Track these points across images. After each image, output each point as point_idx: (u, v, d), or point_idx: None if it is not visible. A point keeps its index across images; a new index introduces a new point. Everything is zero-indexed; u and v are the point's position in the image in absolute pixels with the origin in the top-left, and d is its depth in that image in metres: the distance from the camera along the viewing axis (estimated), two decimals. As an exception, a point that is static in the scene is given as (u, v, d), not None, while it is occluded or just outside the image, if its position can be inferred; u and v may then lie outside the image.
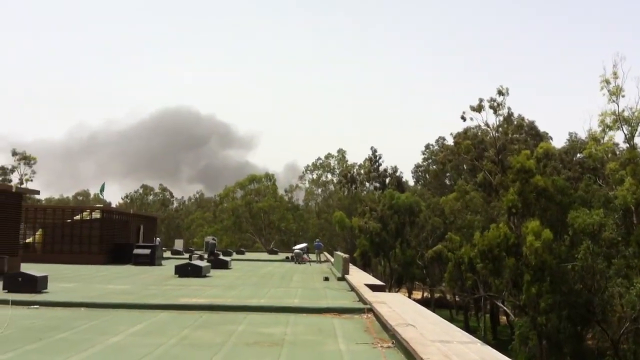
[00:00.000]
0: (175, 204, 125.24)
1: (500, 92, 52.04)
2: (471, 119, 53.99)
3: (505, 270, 45.59)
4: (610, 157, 47.69)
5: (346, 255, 27.11)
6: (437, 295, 76.29)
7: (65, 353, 8.38)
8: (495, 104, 51.94)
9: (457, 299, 70.68)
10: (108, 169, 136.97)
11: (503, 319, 65.58)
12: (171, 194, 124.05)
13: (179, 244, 58.28)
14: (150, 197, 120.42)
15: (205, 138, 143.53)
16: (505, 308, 55.20)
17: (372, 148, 74.63)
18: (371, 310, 13.47)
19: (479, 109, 52.41)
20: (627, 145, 45.85)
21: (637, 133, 44.51)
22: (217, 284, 21.77)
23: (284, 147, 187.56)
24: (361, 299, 16.05)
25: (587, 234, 41.63)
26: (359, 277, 24.78)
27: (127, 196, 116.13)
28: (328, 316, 13.36)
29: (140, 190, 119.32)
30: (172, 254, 48.79)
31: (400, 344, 9.08)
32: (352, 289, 19.90)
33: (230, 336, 10.33)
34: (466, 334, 10.28)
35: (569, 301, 42.52)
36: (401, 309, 13.33)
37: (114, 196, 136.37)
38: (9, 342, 9.28)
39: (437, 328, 10.89)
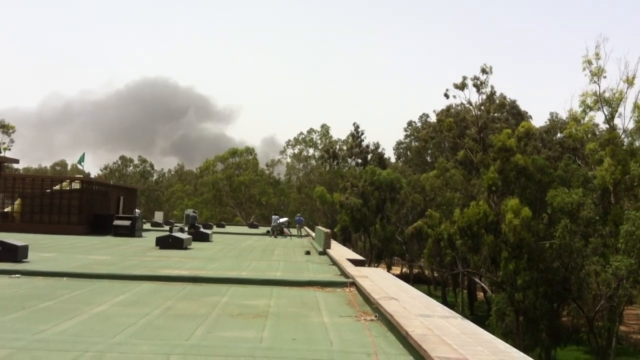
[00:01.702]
0: (155, 176, 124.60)
1: (484, 71, 52.05)
2: (454, 96, 54.03)
3: (483, 247, 46.07)
4: (590, 137, 48.08)
5: (328, 230, 27.22)
6: (415, 270, 77.07)
7: (50, 322, 8.35)
8: (479, 82, 51.95)
9: (435, 274, 71.41)
10: (82, 139, 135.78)
11: (480, 295, 66.45)
12: (151, 165, 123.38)
13: (158, 216, 58.07)
14: (130, 169, 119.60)
15: (182, 110, 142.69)
16: (482, 284, 55.87)
17: (354, 124, 74.75)
18: (353, 284, 13.56)
19: (462, 86, 52.36)
20: (607, 126, 46.32)
21: (617, 114, 44.93)
22: (199, 256, 21.77)
23: (262, 121, 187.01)
24: (343, 273, 16.15)
25: (565, 212, 42.09)
26: (340, 251, 24.91)
27: (106, 167, 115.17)
28: (311, 289, 13.44)
29: (119, 162, 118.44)
30: (152, 226, 48.59)
31: (384, 317, 9.18)
32: (334, 263, 20.00)
33: (214, 308, 10.36)
34: (446, 308, 10.40)
35: (546, 278, 43.17)
36: (383, 283, 13.45)
37: (90, 167, 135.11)
38: (-10, 310, 9.22)
39: (418, 302, 10.99)
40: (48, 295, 10.86)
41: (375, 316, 9.84)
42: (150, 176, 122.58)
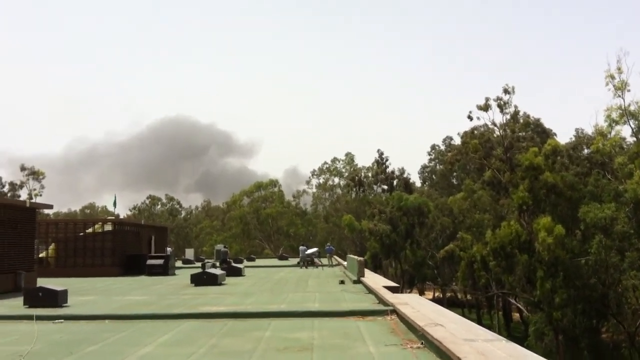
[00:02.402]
0: (183, 214, 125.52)
1: (506, 91, 52.03)
2: (478, 118, 54.01)
3: (517, 267, 45.49)
4: (617, 151, 47.60)
5: (361, 258, 27.08)
6: (448, 294, 76.20)
7: (98, 366, 8.39)
8: (502, 102, 51.91)
9: (468, 297, 70.52)
10: (108, 181, 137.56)
11: (516, 315, 65.41)
12: (179, 203, 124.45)
13: (189, 253, 58.46)
14: (158, 207, 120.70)
15: (204, 147, 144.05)
16: (518, 305, 55.02)
17: (378, 150, 74.85)
18: (394, 311, 13.44)
19: (485, 107, 52.34)
20: (635, 138, 45.83)
21: (644, 126, 44.44)
22: (234, 292, 21.78)
23: (284, 153, 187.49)
24: (381, 301, 16.02)
25: (598, 228, 41.53)
26: (374, 279, 24.75)
27: (134, 207, 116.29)
28: (351, 319, 13.33)
29: (147, 201, 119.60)
30: (184, 263, 48.89)
31: (431, 344, 9.07)
32: (370, 291, 19.89)
33: (259, 342, 10.33)
34: (488, 331, 10.25)
35: (584, 295, 42.43)
36: (423, 309, 13.31)
37: (118, 208, 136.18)
38: (40, 357, 9.30)
39: (460, 327, 10.85)
40: (93, 339, 10.90)
41: (422, 343, 9.73)
42: (178, 214, 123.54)
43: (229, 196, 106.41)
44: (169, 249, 46.41)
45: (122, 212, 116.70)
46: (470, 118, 54.39)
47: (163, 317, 13.64)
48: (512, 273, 46.54)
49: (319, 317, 13.66)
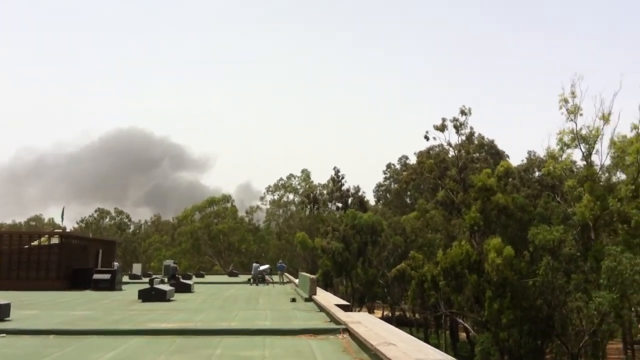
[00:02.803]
0: (132, 227, 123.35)
1: (462, 112, 52.92)
2: (434, 138, 54.78)
3: (467, 287, 45.98)
4: (568, 174, 48.62)
5: (313, 276, 26.95)
6: (397, 313, 76.50)
7: (43, 382, 8.05)
8: (458, 123, 52.74)
9: (416, 316, 70.91)
10: (55, 193, 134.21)
11: (462, 335, 66.00)
12: (128, 217, 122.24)
13: (137, 268, 57.36)
14: (106, 221, 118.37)
15: (157, 160, 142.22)
16: (465, 324, 55.53)
17: (334, 168, 74.92)
18: (346, 330, 13.33)
19: (442, 128, 53.11)
20: (585, 162, 46.81)
21: (594, 151, 45.50)
22: (183, 308, 21.38)
23: (237, 168, 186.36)
24: (333, 319, 15.90)
25: (547, 249, 42.33)
26: (325, 297, 24.64)
27: (82, 220, 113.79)
28: (303, 337, 13.17)
29: (96, 214, 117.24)
30: (130, 278, 47.90)
31: (384, 364, 8.99)
32: (322, 309, 19.75)
33: (209, 361, 10.10)
34: (438, 351, 10.20)
35: (530, 316, 43.13)
36: (375, 328, 13.25)
37: (65, 220, 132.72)
38: (-20, 372, 8.90)
39: (410, 346, 10.81)
40: (37, 354, 10.52)
41: (373, 362, 9.67)
42: (127, 228, 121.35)
43: (179, 211, 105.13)
44: (116, 263, 45.47)
45: (69, 224, 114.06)
46: (427, 138, 55.19)
47: (109, 333, 13.25)
48: (461, 293, 47.01)
49: (270, 335, 13.47)
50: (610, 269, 37.94)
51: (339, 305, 19.40)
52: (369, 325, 13.81)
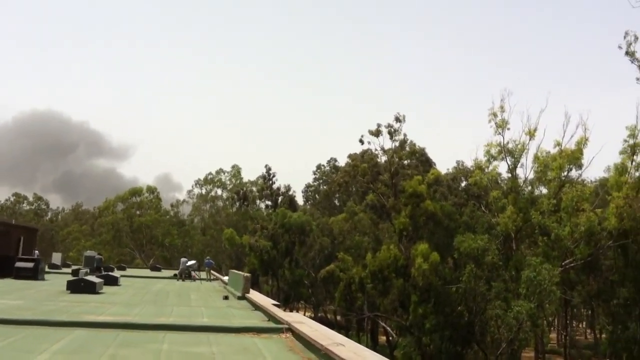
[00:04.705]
0: (49, 215, 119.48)
1: (397, 119, 53.87)
2: (369, 142, 55.55)
3: (392, 291, 46.72)
4: (493, 185, 50.06)
5: (247, 275, 26.83)
6: (319, 314, 76.90)
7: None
8: (392, 129, 53.65)
9: (338, 318, 71.51)
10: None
11: (382, 338, 66.98)
12: (47, 204, 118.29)
13: (56, 258, 55.26)
14: (23, 206, 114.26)
15: (72, 146, 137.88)
16: (387, 328, 56.39)
17: (266, 166, 74.53)
18: (289, 329, 13.34)
19: (377, 133, 53.92)
20: (510, 175, 48.41)
21: (519, 164, 47.08)
22: (115, 301, 20.96)
23: (157, 159, 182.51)
24: (273, 319, 15.91)
25: (471, 257, 43.45)
26: (259, 296, 24.59)
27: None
28: (247, 335, 13.13)
29: (12, 199, 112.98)
30: (50, 268, 46.16)
31: (335, 364, 9.04)
32: (258, 308, 19.73)
33: (158, 355, 9.97)
34: (373, 352, 10.30)
35: (452, 322, 44.23)
36: (320, 329, 13.30)
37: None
38: None
39: (348, 348, 10.88)
40: (-22, 344, 10.04)
41: (323, 362, 9.70)
42: (44, 215, 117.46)
43: (91, 199, 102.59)
44: (36, 252, 43.84)
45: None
46: (361, 142, 55.92)
47: (48, 324, 12.83)
48: (387, 296, 47.73)
49: (214, 332, 13.37)
50: (530, 279, 39.31)
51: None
52: (313, 325, 13.87)
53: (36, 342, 10.69)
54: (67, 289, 23.72)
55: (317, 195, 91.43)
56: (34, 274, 31.60)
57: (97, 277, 30.07)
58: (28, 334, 11.55)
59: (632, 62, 42.96)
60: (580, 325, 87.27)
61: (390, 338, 57.91)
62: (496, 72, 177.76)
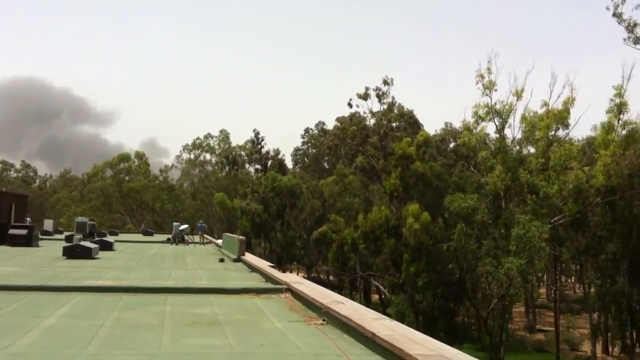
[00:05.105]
0: (38, 182, 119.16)
1: (385, 82, 53.97)
2: (357, 105, 55.73)
3: (384, 251, 47.43)
4: (482, 146, 50.32)
5: (242, 237, 27.20)
6: (312, 275, 77.93)
7: (9, 336, 8.01)
8: (381, 92, 53.77)
9: (331, 278, 72.52)
10: None
11: (374, 297, 68.09)
12: (35, 171, 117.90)
13: (48, 224, 55.32)
14: (11, 173, 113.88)
15: (55, 113, 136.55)
16: (380, 286, 57.30)
17: (254, 130, 74.49)
18: (288, 290, 13.71)
19: (365, 96, 54.05)
20: (498, 135, 48.66)
21: (507, 125, 47.34)
22: (112, 266, 21.28)
23: (142, 124, 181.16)
24: (270, 280, 16.30)
25: (461, 216, 44.03)
26: (254, 258, 25.01)
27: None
28: (247, 296, 13.48)
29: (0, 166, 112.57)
30: (42, 234, 46.36)
31: (337, 321, 9.39)
32: (254, 269, 20.10)
33: (162, 317, 10.28)
34: (372, 311, 10.61)
35: (443, 280, 45.06)
36: (317, 288, 13.68)
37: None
38: None
39: (348, 306, 11.22)
40: (-15, 310, 10.33)
41: (324, 320, 10.02)
42: (32, 182, 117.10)
43: (77, 165, 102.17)
44: (28, 218, 44.00)
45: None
46: (350, 105, 56.12)
47: (50, 290, 13.09)
48: (379, 256, 48.48)
49: (214, 293, 13.71)
50: (519, 236, 39.94)
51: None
52: (310, 285, 14.27)
53: (41, 307, 10.94)
54: (63, 254, 23.97)
55: (306, 159, 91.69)
56: (28, 241, 31.76)
57: (92, 242, 30.42)
58: (31, 300, 11.83)
59: (619, 24, 43.03)
60: (569, 280, 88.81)
61: (383, 296, 58.83)
62: (483, 33, 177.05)
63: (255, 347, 7.93)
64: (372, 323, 8.54)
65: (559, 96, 45.72)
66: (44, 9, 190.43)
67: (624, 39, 42.89)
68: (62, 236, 41.24)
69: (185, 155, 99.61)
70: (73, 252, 24.15)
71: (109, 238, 38.35)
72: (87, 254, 24.24)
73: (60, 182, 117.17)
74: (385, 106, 55.18)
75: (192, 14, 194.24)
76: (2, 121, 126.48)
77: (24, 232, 32.51)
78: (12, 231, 32.39)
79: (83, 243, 26.14)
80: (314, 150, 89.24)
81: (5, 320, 9.41)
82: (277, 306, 12.10)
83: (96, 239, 34.06)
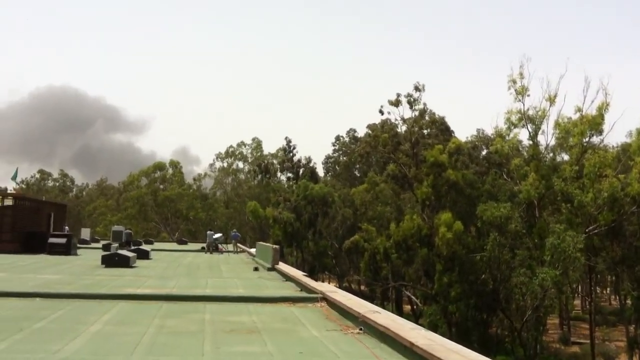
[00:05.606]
0: (75, 191, 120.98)
1: (417, 88, 53.88)
2: (389, 112, 55.72)
3: (417, 260, 47.25)
4: (514, 153, 49.99)
5: (276, 246, 27.38)
6: (344, 285, 77.79)
7: (58, 342, 8.27)
8: (412, 99, 53.70)
9: (362, 288, 72.35)
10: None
11: (406, 307, 67.77)
12: (72, 180, 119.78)
13: (85, 233, 56.36)
14: (48, 183, 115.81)
15: (89, 122, 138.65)
16: (412, 297, 57.01)
17: (286, 138, 74.82)
18: (324, 299, 13.82)
19: (396, 103, 54.02)
20: (531, 142, 48.29)
21: (540, 131, 47.00)
22: (150, 275, 21.58)
23: (174, 133, 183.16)
24: (305, 289, 16.42)
25: (494, 226, 43.71)
26: (288, 267, 25.16)
27: (22, 181, 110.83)
28: (284, 305, 13.63)
29: (37, 175, 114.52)
30: (80, 243, 47.22)
31: (374, 330, 9.47)
32: (288, 278, 20.25)
33: (202, 324, 10.47)
34: (408, 321, 10.67)
35: (476, 290, 44.69)
36: (353, 298, 13.77)
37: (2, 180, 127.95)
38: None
39: (384, 315, 11.30)
40: (34, 316, 10.65)
41: (361, 329, 10.11)
42: (69, 191, 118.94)
43: (110, 174, 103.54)
44: (66, 227, 44.86)
45: (2, 185, 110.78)
46: (381, 112, 56.14)
47: (92, 297, 13.41)
48: (411, 266, 48.31)
49: (252, 302, 13.87)
50: (554, 246, 39.55)
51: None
52: (346, 295, 14.38)
53: (84, 314, 11.22)
54: (102, 263, 24.39)
55: (337, 167, 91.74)
56: (67, 249, 32.36)
57: (129, 251, 30.93)
58: (75, 307, 12.13)
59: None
60: (605, 292, 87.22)
61: (415, 307, 58.54)
62: (514, 38, 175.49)
63: (294, 355, 8.08)
64: (409, 332, 8.61)
65: (592, 101, 45.32)
66: (77, 20, 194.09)
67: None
68: (99, 245, 42.08)
69: (219, 164, 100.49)
70: (111, 261, 24.54)
71: (145, 247, 38.92)
72: (125, 262, 24.62)
73: (96, 190, 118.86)
74: (416, 113, 55.11)
75: (223, 22, 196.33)
76: (37, 130, 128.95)
77: (63, 240, 33.12)
78: (51, 240, 33.03)
79: (121, 252, 26.60)
80: (345, 158, 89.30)
81: (52, 327, 9.70)
82: (313, 315, 12.22)
83: (132, 247, 34.62)
